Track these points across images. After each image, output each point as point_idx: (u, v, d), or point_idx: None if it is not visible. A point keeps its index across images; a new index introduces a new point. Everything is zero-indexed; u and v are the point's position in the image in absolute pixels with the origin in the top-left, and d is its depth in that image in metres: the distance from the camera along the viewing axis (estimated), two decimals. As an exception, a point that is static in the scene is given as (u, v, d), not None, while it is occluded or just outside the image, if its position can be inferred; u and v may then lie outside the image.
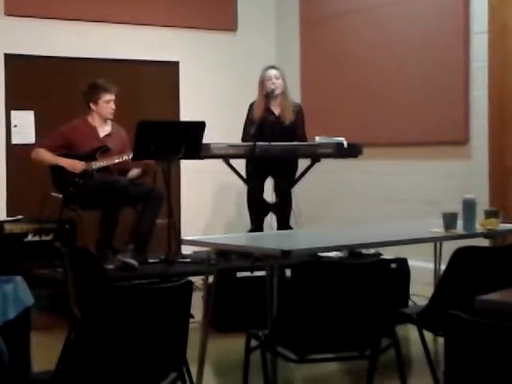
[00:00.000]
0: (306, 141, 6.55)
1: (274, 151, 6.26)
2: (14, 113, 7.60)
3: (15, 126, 7.61)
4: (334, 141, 6.37)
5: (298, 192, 6.69)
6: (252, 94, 6.74)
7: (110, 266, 5.71)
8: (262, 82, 6.57)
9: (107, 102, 6.37)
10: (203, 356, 4.29)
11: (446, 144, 7.03)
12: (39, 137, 7.19)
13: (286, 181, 6.63)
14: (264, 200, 6.65)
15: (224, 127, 7.41)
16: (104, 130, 6.46)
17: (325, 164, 6.62)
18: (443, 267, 4.05)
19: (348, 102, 7.90)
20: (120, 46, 8.00)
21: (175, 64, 8.36)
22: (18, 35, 7.50)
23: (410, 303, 5.64)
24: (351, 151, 6.40)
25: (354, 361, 3.96)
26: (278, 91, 6.54)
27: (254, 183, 6.56)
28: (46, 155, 6.34)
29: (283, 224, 6.58)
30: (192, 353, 3.61)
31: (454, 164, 6.97)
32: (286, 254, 3.69)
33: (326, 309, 3.46)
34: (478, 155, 6.78)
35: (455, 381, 2.42)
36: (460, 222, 4.49)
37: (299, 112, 6.68)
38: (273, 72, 6.58)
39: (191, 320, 3.21)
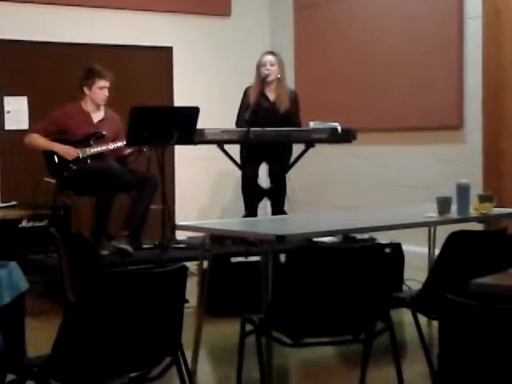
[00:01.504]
0: (300, 127, 6.54)
1: (268, 136, 6.25)
2: (7, 99, 7.57)
3: (8, 111, 7.59)
4: (328, 126, 6.36)
5: (292, 177, 6.70)
6: (246, 79, 6.73)
7: (105, 252, 5.71)
8: (258, 68, 6.56)
9: (101, 89, 6.35)
10: (198, 340, 4.31)
11: (440, 129, 7.03)
12: (33, 122, 7.16)
13: (281, 166, 6.62)
14: (258, 185, 6.65)
15: (218, 112, 7.39)
16: (97, 115, 6.44)
17: (319, 149, 6.62)
18: (437, 252, 4.06)
19: (342, 87, 7.89)
20: (113, 31, 7.97)
21: (169, 49, 8.34)
22: (10, 20, 7.46)
23: (404, 287, 5.66)
24: (345, 136, 6.39)
25: (349, 345, 3.99)
26: (271, 77, 6.52)
27: (248, 169, 6.55)
28: (39, 140, 6.32)
29: (277, 209, 6.58)
30: (187, 337, 3.62)
31: (448, 149, 6.98)
32: (280, 239, 3.70)
33: (320, 293, 3.47)
34: (471, 140, 6.79)
35: (449, 364, 2.43)
36: (454, 207, 4.51)
37: (294, 99, 6.66)
38: (269, 58, 6.56)
39: (186, 305, 3.21)
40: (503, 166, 6.60)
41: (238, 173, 6.68)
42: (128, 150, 6.33)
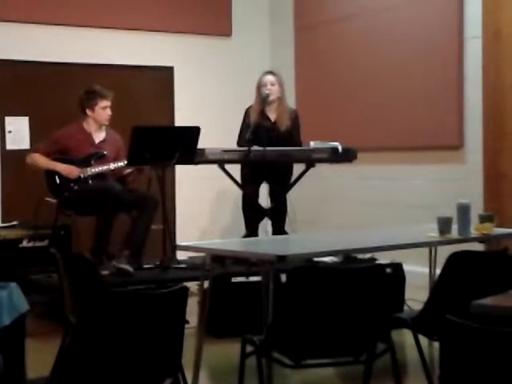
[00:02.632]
0: (301, 147, 6.54)
1: (268, 156, 6.26)
2: (8, 119, 7.58)
3: (10, 131, 7.60)
4: (329, 146, 6.37)
5: (292, 197, 6.69)
6: (247, 99, 6.75)
7: (105, 272, 5.70)
8: (259, 87, 6.58)
9: (104, 109, 6.37)
10: (198, 361, 4.29)
11: (441, 149, 7.04)
12: (34, 142, 7.17)
13: (281, 186, 6.63)
14: (259, 205, 6.65)
15: (219, 132, 7.41)
16: (99, 135, 6.45)
17: (320, 169, 6.62)
18: (438, 272, 4.05)
19: (343, 106, 7.91)
20: (114, 51, 7.99)
21: (170, 69, 8.36)
22: (11, 40, 7.49)
23: (405, 308, 5.64)
24: (346, 156, 6.40)
25: (350, 366, 3.97)
26: (272, 97, 6.54)
27: (249, 188, 6.56)
28: (41, 160, 6.33)
29: (278, 229, 6.57)
30: (187, 358, 3.61)
31: (448, 168, 6.98)
32: (281, 258, 3.70)
33: (321, 314, 3.46)
34: (472, 160, 6.79)
35: (450, 385, 2.42)
36: (455, 227, 4.50)
37: (295, 118, 6.68)
38: (269, 78, 6.58)
39: (187, 325, 3.20)
40: (503, 186, 6.60)
41: (239, 192, 6.69)
42: (127, 170, 6.34)
